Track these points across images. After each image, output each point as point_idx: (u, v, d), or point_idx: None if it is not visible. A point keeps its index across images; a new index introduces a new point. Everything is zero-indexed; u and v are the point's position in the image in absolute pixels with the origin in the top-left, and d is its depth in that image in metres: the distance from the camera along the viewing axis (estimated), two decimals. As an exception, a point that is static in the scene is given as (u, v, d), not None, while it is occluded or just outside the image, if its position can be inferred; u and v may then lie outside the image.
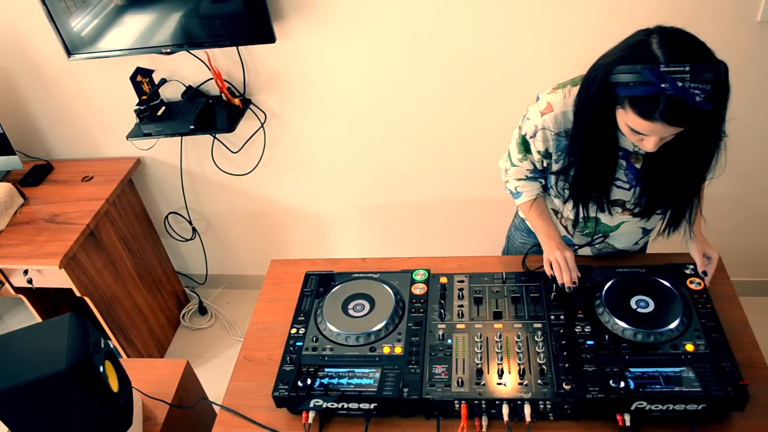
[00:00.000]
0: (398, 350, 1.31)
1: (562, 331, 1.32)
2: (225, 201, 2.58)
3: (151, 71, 2.17)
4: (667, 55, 1.05)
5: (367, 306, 1.42)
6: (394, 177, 2.36)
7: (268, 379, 1.41)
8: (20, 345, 1.17)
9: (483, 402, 1.22)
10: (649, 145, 1.15)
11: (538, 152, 1.38)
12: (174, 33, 1.98)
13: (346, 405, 1.26)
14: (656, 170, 1.29)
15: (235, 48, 2.07)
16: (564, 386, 1.21)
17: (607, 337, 1.28)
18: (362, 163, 2.34)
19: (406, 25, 1.94)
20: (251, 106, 2.22)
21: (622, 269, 1.43)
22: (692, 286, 1.37)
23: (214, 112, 2.18)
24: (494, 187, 2.08)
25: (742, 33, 1.79)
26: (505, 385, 1.23)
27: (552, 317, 1.36)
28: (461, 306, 1.41)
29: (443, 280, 1.49)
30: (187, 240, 2.75)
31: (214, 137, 2.32)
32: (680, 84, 1.02)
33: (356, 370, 1.30)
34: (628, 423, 1.18)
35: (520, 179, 1.51)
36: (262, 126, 2.27)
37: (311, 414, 1.28)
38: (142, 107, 2.17)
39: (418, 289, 1.47)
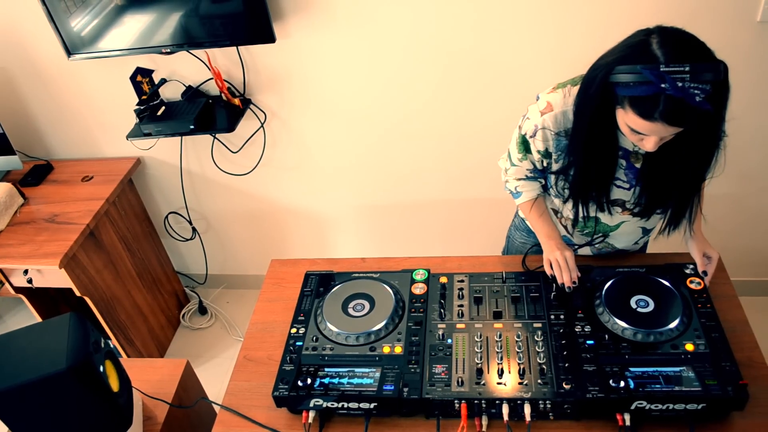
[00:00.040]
0: (398, 350, 1.31)
1: (562, 330, 1.32)
2: (225, 201, 2.58)
3: (151, 71, 2.17)
4: (667, 55, 1.05)
5: (367, 306, 1.42)
6: (394, 177, 2.36)
7: (268, 378, 1.41)
8: (20, 345, 1.17)
9: (483, 402, 1.22)
10: (649, 145, 1.15)
11: (538, 152, 1.38)
12: (174, 33, 1.98)
13: (346, 405, 1.26)
14: (656, 170, 1.29)
15: (235, 48, 2.07)
16: (564, 386, 1.21)
17: (607, 336, 1.28)
18: (362, 163, 2.34)
19: (406, 25, 1.94)
20: (251, 106, 2.22)
21: (622, 269, 1.43)
22: (692, 286, 1.37)
23: (214, 112, 2.18)
24: (494, 187, 2.08)
25: (742, 33, 1.79)
26: (505, 384, 1.23)
27: (552, 317, 1.36)
28: (461, 306, 1.42)
29: (443, 279, 1.49)
30: (187, 240, 2.75)
31: (214, 137, 2.32)
32: (680, 84, 1.02)
33: (356, 369, 1.30)
34: (628, 422, 1.18)
35: (520, 179, 1.51)
36: (262, 126, 2.27)
37: (311, 414, 1.29)
38: (142, 107, 2.17)
39: (418, 289, 1.47)
